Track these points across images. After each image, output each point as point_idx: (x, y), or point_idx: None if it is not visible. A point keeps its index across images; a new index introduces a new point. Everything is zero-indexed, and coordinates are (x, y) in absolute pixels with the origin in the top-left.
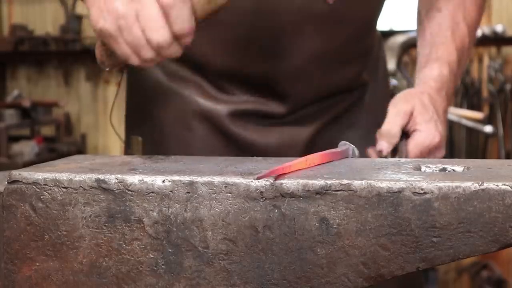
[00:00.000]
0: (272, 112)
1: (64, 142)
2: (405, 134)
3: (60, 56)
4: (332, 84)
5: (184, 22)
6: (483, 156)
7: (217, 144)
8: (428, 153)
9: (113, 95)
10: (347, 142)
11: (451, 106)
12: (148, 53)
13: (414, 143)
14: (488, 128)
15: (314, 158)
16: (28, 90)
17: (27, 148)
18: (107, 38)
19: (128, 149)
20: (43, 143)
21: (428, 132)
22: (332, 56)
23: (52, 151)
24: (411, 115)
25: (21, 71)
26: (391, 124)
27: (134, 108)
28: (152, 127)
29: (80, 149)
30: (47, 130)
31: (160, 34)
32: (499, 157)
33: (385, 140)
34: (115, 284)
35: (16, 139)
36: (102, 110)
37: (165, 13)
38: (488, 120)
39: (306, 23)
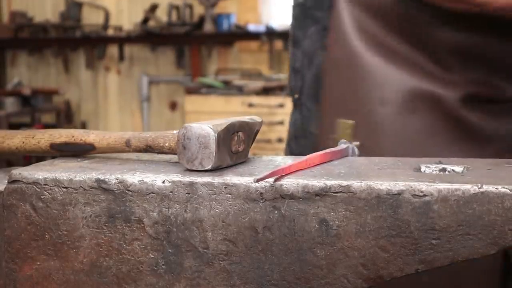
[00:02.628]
0: (498, 93)
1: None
2: None
3: (60, 43)
4: None
5: None
6: None
7: (441, 129)
8: None
9: (113, 82)
10: (346, 140)
11: None
12: None
13: None
14: None
15: (314, 158)
16: (28, 77)
17: None
18: None
19: (331, 134)
20: None
21: None
22: None
23: None
24: None
25: (21, 58)
26: None
27: (344, 92)
28: (366, 112)
29: None
30: (48, 118)
31: None
32: None
33: None
34: (116, 283)
35: (16, 126)
36: (103, 98)
37: None
38: None
39: None
